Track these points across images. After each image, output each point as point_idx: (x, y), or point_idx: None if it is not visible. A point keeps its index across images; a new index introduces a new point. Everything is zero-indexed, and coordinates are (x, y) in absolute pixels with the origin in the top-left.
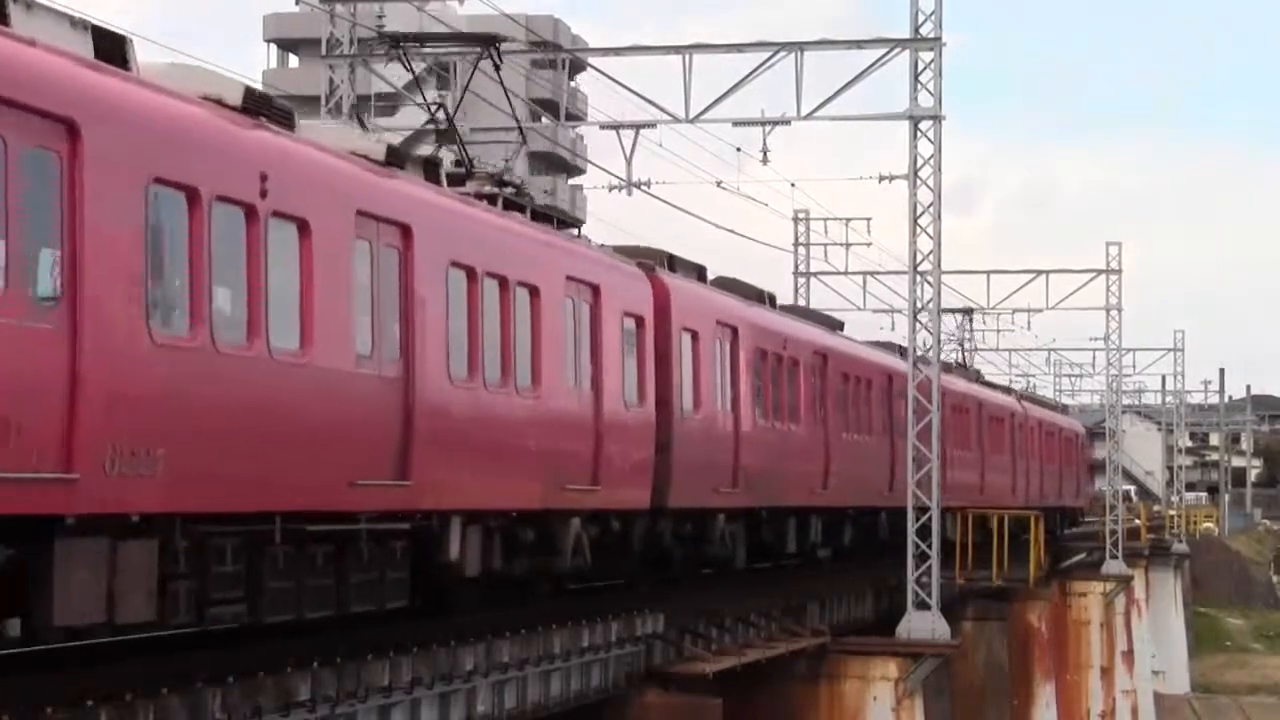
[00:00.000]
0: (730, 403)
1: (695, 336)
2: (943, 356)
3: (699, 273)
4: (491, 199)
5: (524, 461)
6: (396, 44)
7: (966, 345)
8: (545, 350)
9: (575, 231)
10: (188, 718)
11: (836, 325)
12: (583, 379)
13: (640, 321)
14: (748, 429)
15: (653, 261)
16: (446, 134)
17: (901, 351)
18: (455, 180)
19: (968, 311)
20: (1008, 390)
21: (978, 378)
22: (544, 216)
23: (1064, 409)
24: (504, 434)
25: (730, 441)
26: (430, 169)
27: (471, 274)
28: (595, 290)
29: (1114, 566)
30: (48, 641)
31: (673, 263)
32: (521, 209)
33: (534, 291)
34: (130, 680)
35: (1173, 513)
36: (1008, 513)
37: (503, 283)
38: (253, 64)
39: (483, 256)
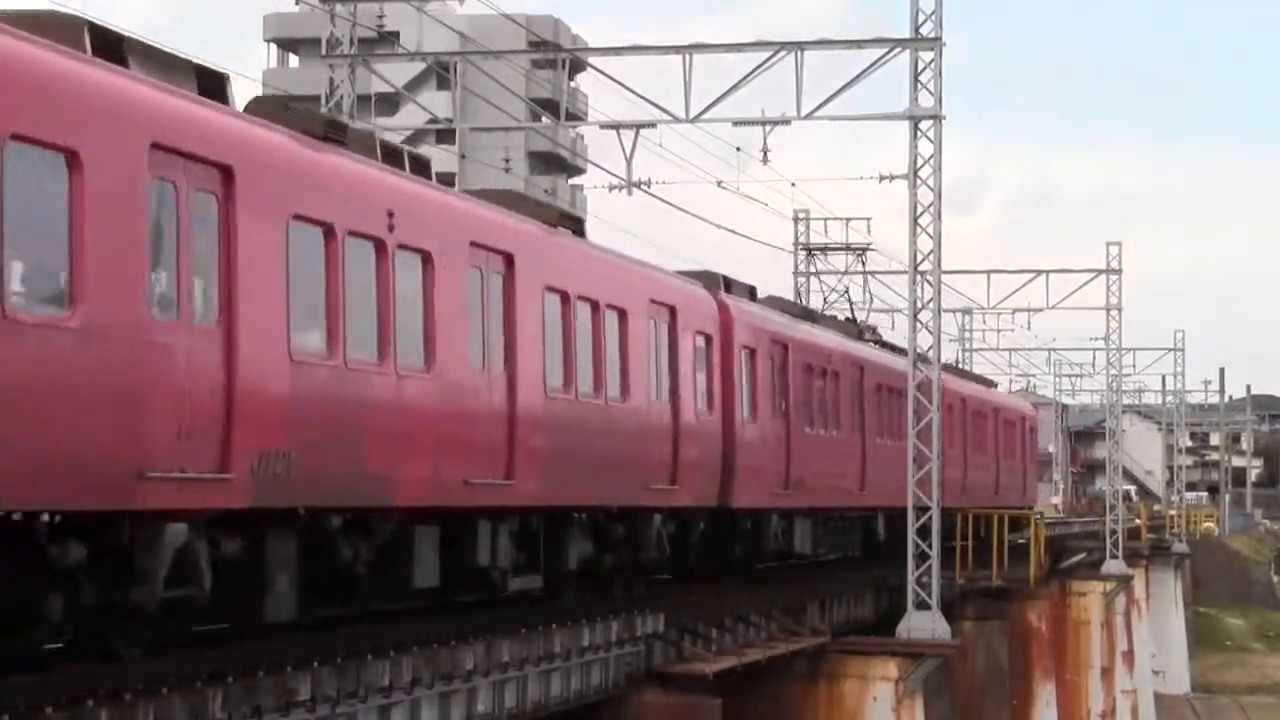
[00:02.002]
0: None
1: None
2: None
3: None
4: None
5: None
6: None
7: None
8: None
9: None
10: (188, 717)
11: (863, 331)
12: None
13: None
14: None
15: (712, 283)
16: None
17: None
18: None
19: (966, 311)
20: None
21: (859, 335)
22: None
23: (1028, 389)
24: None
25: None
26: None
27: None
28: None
29: (1114, 566)
30: None
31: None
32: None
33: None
34: (130, 680)
35: (1173, 512)
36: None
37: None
38: (253, 63)
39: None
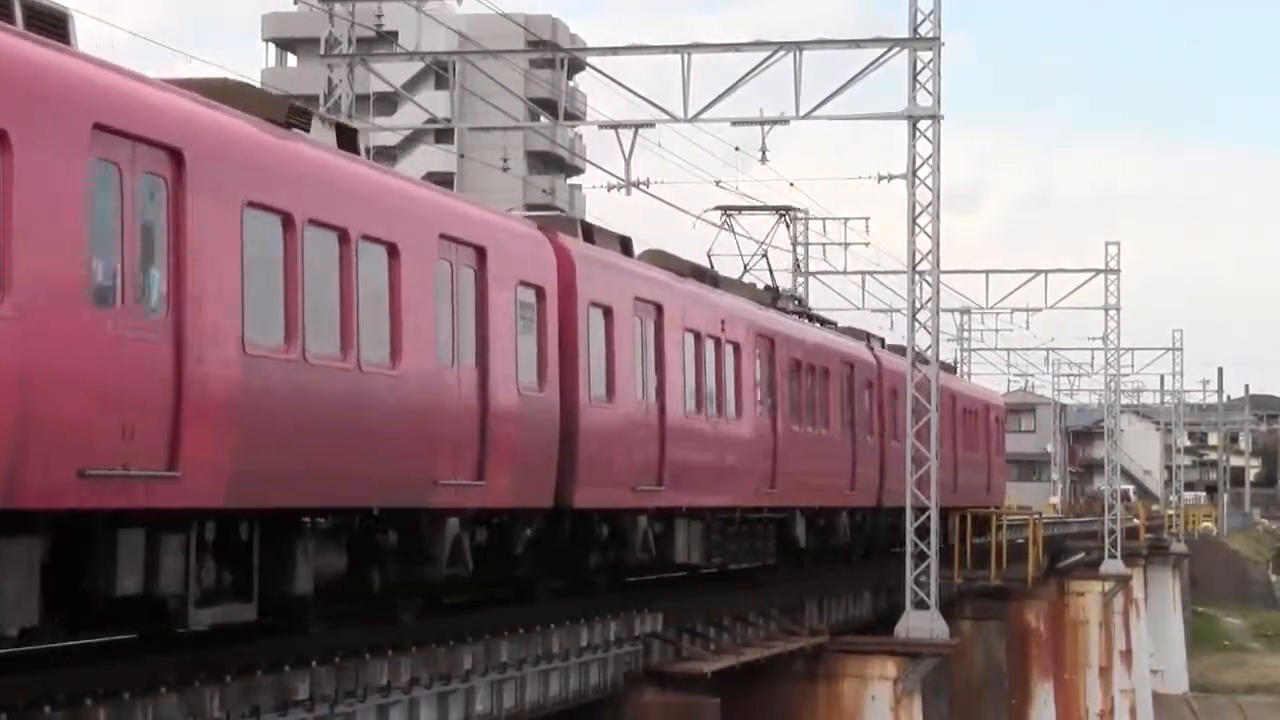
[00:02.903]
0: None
1: (608, 313)
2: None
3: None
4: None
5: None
6: None
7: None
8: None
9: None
10: (186, 717)
11: (779, 298)
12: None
13: (540, 293)
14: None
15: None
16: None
17: (868, 338)
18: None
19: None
20: (865, 336)
21: (773, 302)
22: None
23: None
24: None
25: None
26: (666, 259)
27: (699, 336)
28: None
29: (1112, 566)
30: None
31: (590, 231)
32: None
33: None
34: (129, 680)
35: (1171, 512)
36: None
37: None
38: (252, 63)
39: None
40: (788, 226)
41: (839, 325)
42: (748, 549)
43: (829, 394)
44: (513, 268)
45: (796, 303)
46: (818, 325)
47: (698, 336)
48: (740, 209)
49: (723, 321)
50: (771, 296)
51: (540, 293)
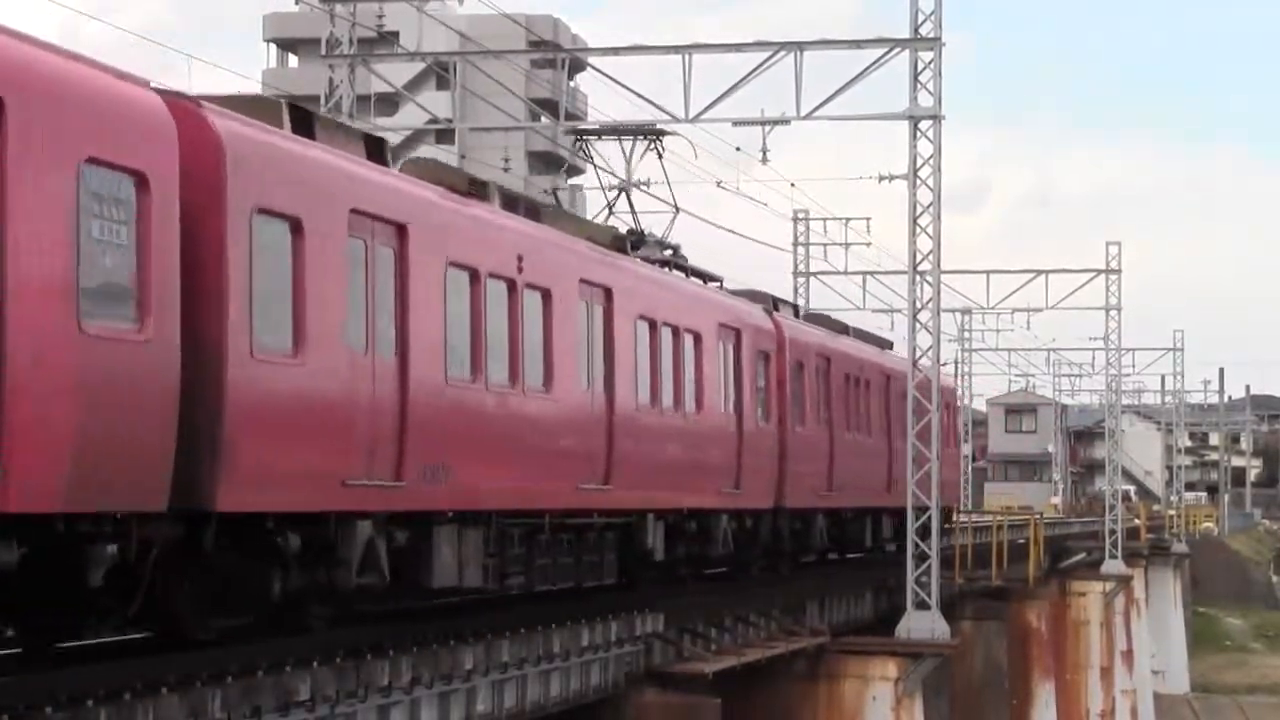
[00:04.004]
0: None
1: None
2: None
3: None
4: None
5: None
6: None
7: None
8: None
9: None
10: (187, 717)
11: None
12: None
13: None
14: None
15: (765, 304)
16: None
17: (774, 303)
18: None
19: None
20: (769, 299)
21: (623, 248)
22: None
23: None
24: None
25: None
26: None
27: (476, 277)
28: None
29: (1113, 566)
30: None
31: (776, 304)
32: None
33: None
34: (130, 680)
35: (1172, 512)
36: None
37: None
38: (253, 64)
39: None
40: (660, 155)
41: (751, 291)
42: (571, 564)
43: (703, 365)
44: None
45: (671, 253)
46: (699, 282)
47: (474, 277)
48: (599, 134)
49: (520, 258)
50: (628, 242)
51: None
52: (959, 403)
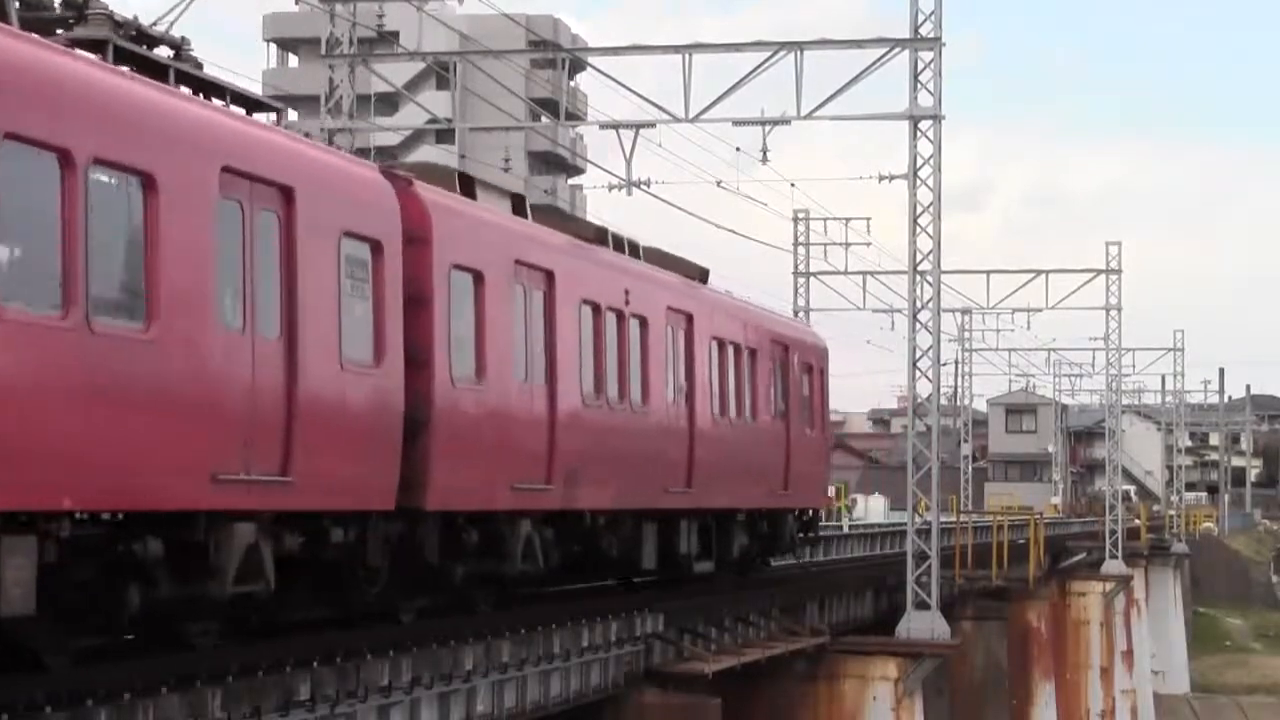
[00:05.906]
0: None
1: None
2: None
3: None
4: None
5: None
6: None
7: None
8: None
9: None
10: (187, 717)
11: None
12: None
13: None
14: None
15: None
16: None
17: (703, 275)
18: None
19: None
20: (699, 273)
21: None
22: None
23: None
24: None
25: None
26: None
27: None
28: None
29: (1113, 566)
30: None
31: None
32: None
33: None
34: (130, 680)
35: (1172, 513)
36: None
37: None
38: (253, 64)
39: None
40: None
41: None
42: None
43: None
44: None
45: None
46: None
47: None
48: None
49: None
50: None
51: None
52: (825, 366)
